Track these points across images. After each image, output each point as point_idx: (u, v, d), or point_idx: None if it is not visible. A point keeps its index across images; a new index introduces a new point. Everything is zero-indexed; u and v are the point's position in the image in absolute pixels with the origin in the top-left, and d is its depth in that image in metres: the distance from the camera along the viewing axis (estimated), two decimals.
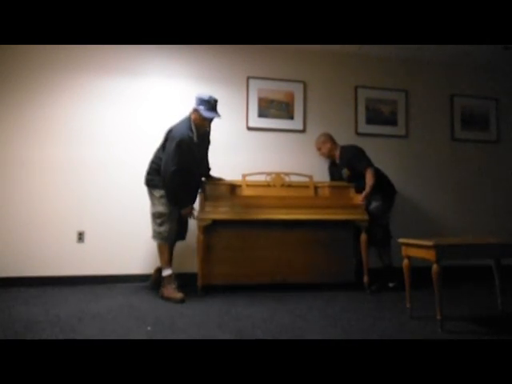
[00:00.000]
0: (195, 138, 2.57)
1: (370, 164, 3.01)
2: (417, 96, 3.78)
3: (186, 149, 2.50)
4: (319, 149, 3.33)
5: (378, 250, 3.07)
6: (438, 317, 1.87)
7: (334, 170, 3.30)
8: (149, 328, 1.87)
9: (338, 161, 3.23)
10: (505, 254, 2.01)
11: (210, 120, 2.61)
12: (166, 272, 2.54)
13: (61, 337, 1.73)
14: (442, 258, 1.86)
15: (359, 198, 2.86)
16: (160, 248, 2.60)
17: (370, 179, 2.92)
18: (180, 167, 2.46)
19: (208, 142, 2.82)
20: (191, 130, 2.56)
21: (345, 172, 3.12)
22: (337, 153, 3.22)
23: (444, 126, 3.83)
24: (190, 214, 2.67)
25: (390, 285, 2.92)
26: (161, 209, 2.56)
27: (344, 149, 3.19)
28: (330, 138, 3.27)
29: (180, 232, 2.75)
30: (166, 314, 2.14)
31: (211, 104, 2.54)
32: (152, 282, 2.77)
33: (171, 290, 2.48)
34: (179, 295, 2.44)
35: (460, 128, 3.84)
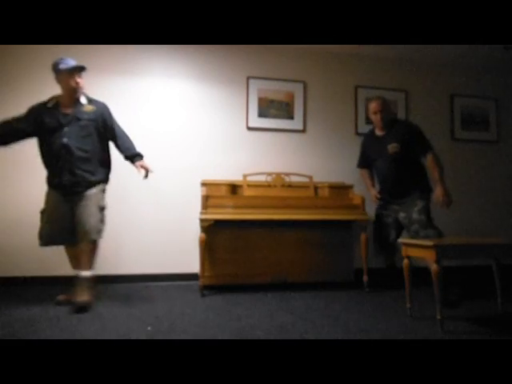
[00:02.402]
0: (50, 105, 2.43)
1: (432, 147, 2.67)
2: (417, 96, 3.78)
3: (30, 111, 2.40)
4: (376, 112, 2.74)
5: (389, 251, 2.84)
6: (438, 317, 1.87)
7: (374, 143, 2.84)
8: (149, 328, 1.87)
9: (381, 132, 2.80)
10: (505, 254, 2.00)
11: (74, 70, 2.36)
12: None
13: (61, 337, 1.73)
14: (441, 258, 1.86)
15: (438, 196, 2.51)
16: None
17: (437, 165, 2.56)
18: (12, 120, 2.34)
19: (90, 121, 2.50)
20: (47, 100, 2.47)
21: (393, 146, 2.68)
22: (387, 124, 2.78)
23: (444, 126, 3.83)
24: None
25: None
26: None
27: (401, 123, 2.83)
28: (389, 106, 2.87)
29: (72, 235, 2.40)
30: (166, 314, 2.15)
31: (67, 59, 2.41)
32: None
33: None
34: None
35: (460, 128, 3.85)
